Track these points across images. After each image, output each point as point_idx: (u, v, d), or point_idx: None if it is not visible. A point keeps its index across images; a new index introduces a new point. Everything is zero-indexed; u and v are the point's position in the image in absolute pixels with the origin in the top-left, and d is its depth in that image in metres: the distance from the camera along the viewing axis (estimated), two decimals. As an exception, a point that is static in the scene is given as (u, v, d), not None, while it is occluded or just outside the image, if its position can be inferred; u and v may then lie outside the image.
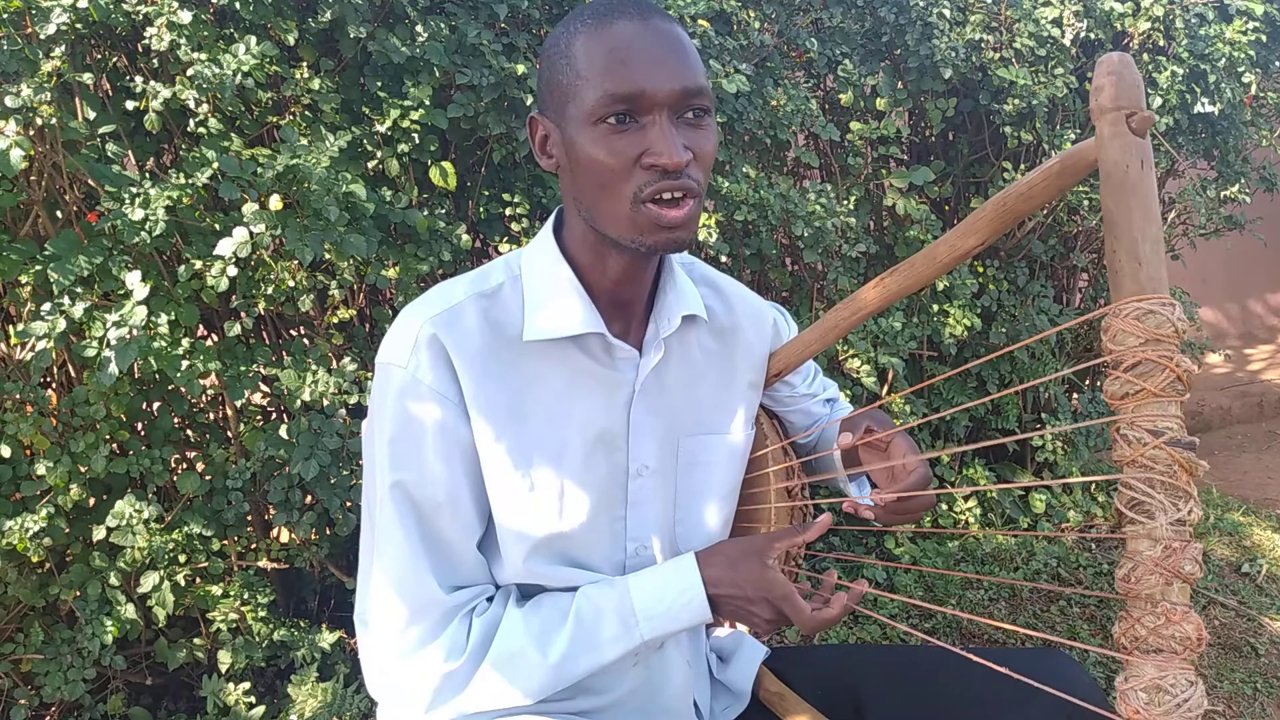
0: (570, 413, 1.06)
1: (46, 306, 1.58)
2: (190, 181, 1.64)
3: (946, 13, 2.57)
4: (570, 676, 1.02)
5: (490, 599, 1.06)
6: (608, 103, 0.92)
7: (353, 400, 1.83)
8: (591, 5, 0.98)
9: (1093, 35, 2.76)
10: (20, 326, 1.62)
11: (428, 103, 1.87)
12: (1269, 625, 2.67)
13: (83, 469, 1.70)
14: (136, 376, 1.80)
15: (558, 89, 0.97)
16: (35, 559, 1.70)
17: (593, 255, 1.05)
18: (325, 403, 1.81)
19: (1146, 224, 0.77)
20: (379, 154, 1.88)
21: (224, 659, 1.90)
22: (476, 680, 1.00)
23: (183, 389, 1.79)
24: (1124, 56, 0.79)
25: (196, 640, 1.95)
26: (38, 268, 1.60)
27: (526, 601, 1.06)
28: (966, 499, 2.99)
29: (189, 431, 1.97)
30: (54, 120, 1.56)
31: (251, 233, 1.64)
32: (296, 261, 1.71)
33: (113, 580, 1.78)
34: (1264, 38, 2.90)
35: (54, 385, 1.83)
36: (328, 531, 2.02)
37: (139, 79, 1.67)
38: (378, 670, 1.02)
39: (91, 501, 1.80)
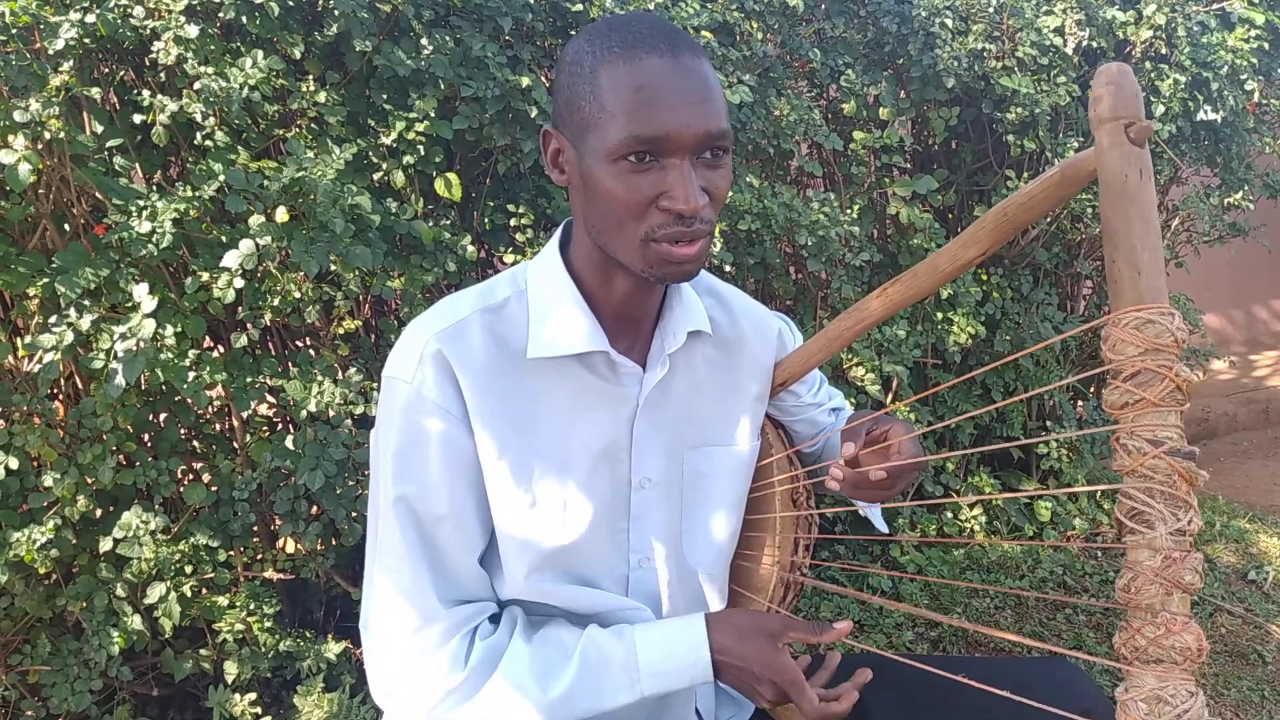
0: (574, 428, 1.07)
1: (54, 319, 1.59)
2: (197, 194, 1.65)
3: (949, 22, 2.58)
4: (567, 715, 1.02)
5: (493, 618, 1.06)
6: (631, 143, 0.91)
7: (358, 411, 1.84)
8: (618, 29, 0.95)
9: (1095, 44, 2.76)
10: (28, 339, 1.63)
11: (433, 115, 1.88)
12: (1276, 632, 2.66)
13: (90, 480, 1.71)
14: (143, 388, 1.81)
15: (578, 113, 0.95)
16: (42, 570, 1.71)
17: (599, 273, 1.05)
18: (331, 413, 1.82)
19: (1146, 233, 0.77)
20: (384, 166, 1.90)
21: (230, 670, 1.90)
22: (476, 702, 1.00)
23: (189, 400, 1.80)
24: (1122, 66, 0.80)
25: (203, 651, 1.96)
26: (45, 280, 1.61)
27: (532, 633, 1.06)
28: (972, 507, 2.98)
29: (195, 443, 1.98)
30: (62, 134, 1.57)
31: (258, 245, 1.65)
32: (302, 273, 1.72)
33: (119, 591, 1.78)
34: (1266, 45, 2.90)
35: (61, 397, 1.84)
36: (333, 542, 2.03)
37: (146, 93, 1.68)
38: (382, 678, 1.02)
39: (98, 513, 1.81)
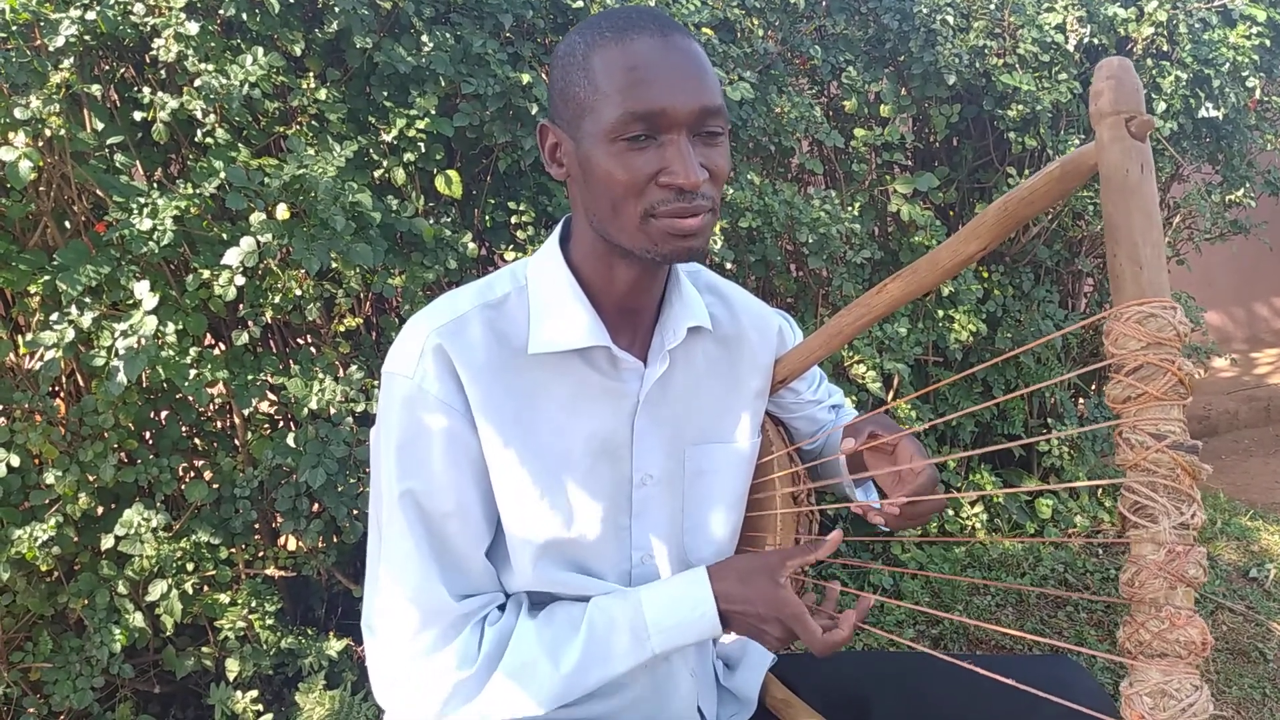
0: (575, 423, 1.06)
1: (55, 316, 1.59)
2: (198, 191, 1.65)
3: (950, 19, 2.57)
4: (581, 687, 1.02)
5: (501, 607, 1.06)
6: (627, 121, 0.92)
7: (359, 408, 1.84)
8: (608, 17, 0.97)
9: (1096, 40, 2.76)
10: (29, 336, 1.63)
11: (433, 112, 1.88)
12: (1277, 630, 2.66)
13: (91, 478, 1.71)
14: (144, 385, 1.80)
15: (573, 101, 0.96)
16: (44, 568, 1.71)
17: (601, 265, 1.05)
18: (332, 411, 1.82)
19: (1147, 228, 0.77)
20: (385, 163, 1.89)
21: (232, 667, 1.91)
22: (488, 689, 1.00)
23: (190, 398, 1.80)
24: (1123, 61, 0.80)
25: (204, 648, 1.96)
26: (46, 278, 1.61)
27: (538, 611, 1.06)
28: (973, 505, 2.98)
29: (197, 440, 1.98)
30: (63, 131, 1.57)
31: (259, 242, 1.65)
32: (303, 270, 1.72)
33: (121, 589, 1.78)
34: (1267, 42, 2.90)
35: (63, 395, 1.84)
36: (335, 539, 2.03)
37: (147, 90, 1.68)
38: (386, 676, 1.02)
39: (100, 510, 1.80)
